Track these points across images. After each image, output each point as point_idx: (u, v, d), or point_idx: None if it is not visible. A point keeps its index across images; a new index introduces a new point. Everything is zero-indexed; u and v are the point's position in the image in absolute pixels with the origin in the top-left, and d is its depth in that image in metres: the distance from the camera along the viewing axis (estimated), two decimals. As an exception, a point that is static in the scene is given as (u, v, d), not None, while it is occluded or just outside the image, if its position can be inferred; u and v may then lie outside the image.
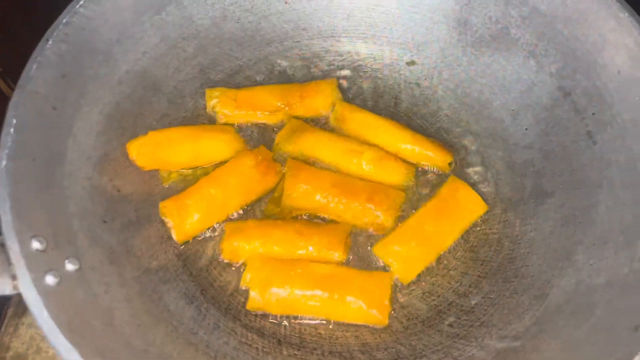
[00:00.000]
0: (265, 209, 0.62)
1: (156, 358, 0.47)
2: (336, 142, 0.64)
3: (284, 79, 0.72)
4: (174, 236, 0.58)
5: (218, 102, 0.66)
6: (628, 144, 0.56)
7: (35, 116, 0.53)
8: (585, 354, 0.46)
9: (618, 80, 0.58)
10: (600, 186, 0.57)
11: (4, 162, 0.48)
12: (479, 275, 0.58)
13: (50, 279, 0.45)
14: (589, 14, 0.59)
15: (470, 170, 0.65)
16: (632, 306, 0.46)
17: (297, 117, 0.67)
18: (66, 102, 0.56)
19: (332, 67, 0.72)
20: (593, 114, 0.59)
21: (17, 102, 0.51)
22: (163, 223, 0.60)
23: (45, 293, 0.43)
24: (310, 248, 0.57)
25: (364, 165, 0.62)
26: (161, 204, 0.59)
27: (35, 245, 0.46)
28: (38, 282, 0.44)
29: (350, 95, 0.71)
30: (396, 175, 0.62)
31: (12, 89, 0.74)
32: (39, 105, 0.53)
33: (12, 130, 0.50)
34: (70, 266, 0.48)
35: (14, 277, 0.43)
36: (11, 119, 0.50)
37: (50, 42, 0.55)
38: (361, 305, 0.54)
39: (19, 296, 0.86)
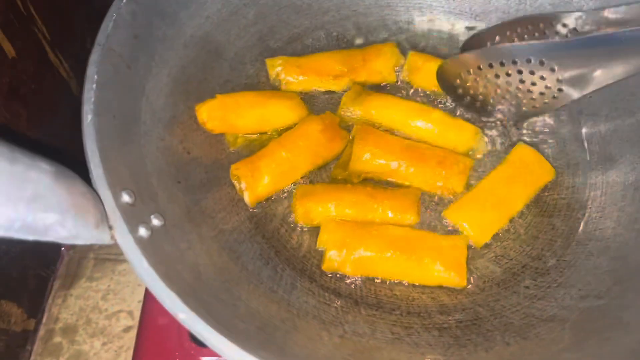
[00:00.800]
0: (333, 173, 0.61)
1: (246, 312, 0.47)
2: (402, 103, 0.64)
3: (341, 47, 0.71)
4: (247, 198, 0.58)
5: (282, 69, 0.65)
6: (702, 108, 0.56)
7: (113, 74, 0.52)
8: (677, 308, 0.46)
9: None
10: (674, 150, 0.57)
11: (89, 117, 0.48)
12: (551, 239, 0.58)
13: (143, 231, 0.44)
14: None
15: (535, 136, 0.64)
16: None
17: (360, 84, 0.67)
18: (139, 62, 0.56)
19: (389, 35, 0.72)
20: (662, 79, 0.59)
21: (97, 59, 0.51)
22: (232, 186, 0.60)
23: (141, 244, 0.43)
24: (383, 211, 0.57)
25: (432, 126, 0.62)
26: (233, 166, 0.58)
27: (126, 198, 0.45)
28: (133, 234, 0.43)
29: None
30: (466, 136, 0.62)
31: (60, 59, 0.74)
32: (115, 63, 0.53)
33: (94, 85, 0.50)
34: (156, 221, 0.48)
35: (110, 228, 0.43)
36: (93, 75, 0.50)
37: (124, 0, 0.55)
38: (439, 267, 0.54)
39: (66, 268, 0.86)
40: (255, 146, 0.62)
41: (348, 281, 0.56)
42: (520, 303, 0.54)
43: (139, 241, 0.43)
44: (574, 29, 0.59)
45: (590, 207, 0.59)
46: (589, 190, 0.60)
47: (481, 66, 0.57)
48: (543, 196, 0.61)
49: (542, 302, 0.53)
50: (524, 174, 0.60)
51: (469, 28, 0.71)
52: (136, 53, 0.56)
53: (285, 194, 0.60)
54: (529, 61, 0.55)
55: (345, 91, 0.66)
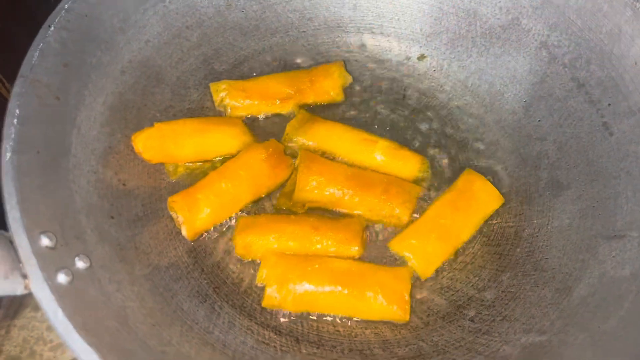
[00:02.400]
0: (277, 203, 0.60)
1: (174, 358, 0.45)
2: (348, 132, 0.62)
3: (289, 69, 0.70)
4: (184, 232, 0.56)
5: (227, 94, 0.64)
6: (646, 135, 0.55)
7: (38, 107, 0.50)
8: (616, 346, 0.45)
9: (634, 70, 0.57)
10: (618, 177, 0.56)
11: (8, 155, 0.45)
12: (497, 269, 0.57)
13: (62, 278, 0.42)
14: (604, 4, 0.59)
15: (483, 163, 0.64)
16: (662, 297, 0.46)
17: (307, 105, 0.65)
18: (69, 92, 0.54)
19: (338, 58, 0.71)
20: (609, 104, 0.59)
21: (19, 92, 0.48)
22: (171, 218, 0.57)
23: (58, 292, 0.41)
24: (327, 243, 0.56)
25: (377, 156, 0.60)
26: (170, 199, 0.56)
27: (45, 242, 0.43)
28: (50, 281, 0.41)
29: (358, 88, 0.69)
30: (411, 166, 0.61)
31: (1, 81, 0.71)
32: (41, 95, 0.50)
33: (15, 121, 0.47)
34: (80, 264, 0.45)
35: (24, 276, 0.40)
36: (14, 109, 0.48)
37: (52, 28, 0.52)
38: (381, 301, 0.53)
39: (9, 298, 0.83)
40: (197, 175, 0.60)
41: (289, 318, 0.54)
42: (464, 338, 0.52)
43: (57, 289, 0.41)
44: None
45: (537, 236, 0.58)
46: (536, 217, 0.59)
47: None
48: (491, 224, 0.60)
49: (485, 337, 0.52)
50: (471, 202, 0.59)
51: (419, 58, 0.70)
52: (67, 82, 0.54)
53: (227, 226, 0.58)
54: None
55: (292, 115, 0.65)
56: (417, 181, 0.61)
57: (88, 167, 0.53)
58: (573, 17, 0.62)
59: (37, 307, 0.80)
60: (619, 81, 0.58)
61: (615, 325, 0.47)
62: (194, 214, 0.55)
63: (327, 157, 0.62)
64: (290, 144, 0.62)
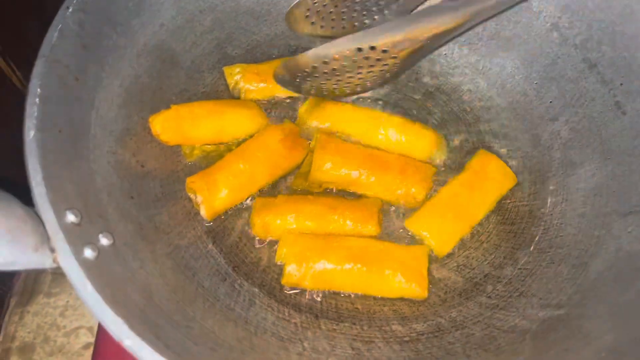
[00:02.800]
0: (293, 184, 0.60)
1: (199, 333, 0.46)
2: (360, 111, 0.63)
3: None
4: (203, 212, 0.56)
5: (241, 77, 0.64)
6: (659, 112, 0.56)
7: (58, 87, 0.50)
8: (635, 317, 0.46)
9: (647, 49, 0.58)
10: (632, 155, 0.57)
11: (32, 133, 0.45)
12: (512, 247, 0.58)
13: (88, 253, 0.42)
14: (615, -16, 0.59)
15: (496, 143, 0.64)
16: (680, 269, 0.46)
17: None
18: (88, 73, 0.54)
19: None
20: (621, 84, 0.59)
21: (40, 71, 0.49)
22: (189, 199, 0.58)
23: (86, 266, 0.41)
24: (344, 222, 0.56)
25: (391, 133, 0.61)
26: (188, 179, 0.57)
27: (70, 217, 0.43)
28: (78, 256, 0.41)
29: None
30: (426, 141, 0.61)
31: (12, 68, 0.71)
32: (62, 75, 0.51)
33: (37, 100, 0.47)
34: (104, 240, 0.46)
35: (52, 250, 0.41)
36: (35, 89, 0.48)
37: (70, 9, 0.53)
38: (400, 279, 0.53)
39: (23, 284, 0.84)
40: (213, 157, 0.61)
41: (308, 295, 0.54)
42: (482, 313, 0.53)
43: (84, 263, 0.41)
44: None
45: (551, 214, 0.59)
46: (550, 196, 0.60)
47: (315, 64, 0.55)
48: (505, 203, 0.60)
49: (503, 313, 0.53)
50: (486, 182, 0.59)
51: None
52: (85, 64, 0.54)
53: (244, 207, 0.59)
54: (359, 50, 0.53)
55: (305, 97, 0.65)
56: (433, 157, 0.62)
57: (107, 148, 0.54)
58: (584, -2, 0.62)
59: (49, 294, 0.80)
60: (631, 60, 0.59)
61: (634, 296, 0.47)
62: (213, 194, 0.56)
63: (341, 138, 0.62)
64: (304, 128, 0.62)
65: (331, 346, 0.50)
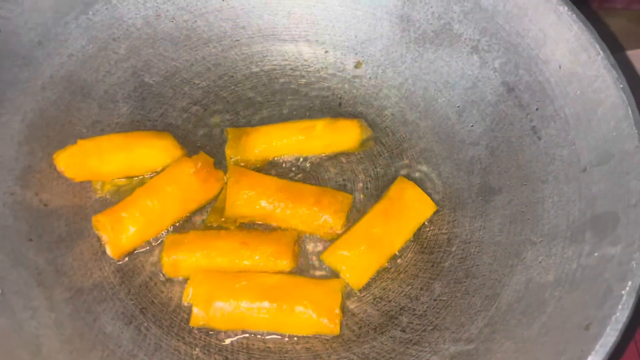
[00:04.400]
0: (207, 220, 0.59)
1: (91, 387, 0.44)
2: (285, 129, 0.63)
3: (223, 80, 0.68)
4: (109, 252, 0.54)
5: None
6: (570, 138, 0.56)
7: (-54, 128, 0.48)
8: (537, 353, 0.45)
9: (559, 74, 0.58)
10: (546, 181, 0.57)
11: None
12: (430, 277, 0.57)
13: (-35, 309, 0.40)
14: (529, 9, 0.59)
15: (417, 170, 0.63)
16: (581, 304, 0.46)
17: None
18: (-18, 111, 0.52)
19: (275, 66, 0.70)
20: (537, 109, 0.59)
21: None
22: (98, 237, 0.56)
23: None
24: (257, 258, 0.55)
25: (320, 138, 0.62)
26: (94, 218, 0.55)
27: (-52, 271, 0.41)
28: (-49, 314, 0.39)
29: (292, 97, 0.68)
30: (352, 133, 0.63)
31: None
32: (-50, 115, 0.49)
33: None
34: (-10, 292, 0.44)
35: None
36: None
37: (-40, 45, 0.50)
38: (311, 315, 0.52)
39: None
40: (126, 192, 0.59)
41: (218, 336, 0.53)
42: (394, 349, 0.52)
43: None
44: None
45: (469, 242, 0.58)
46: (469, 223, 0.60)
47: None
48: (424, 232, 0.60)
49: (416, 348, 0.52)
50: (403, 210, 0.58)
51: (356, 65, 0.69)
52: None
53: (157, 243, 0.57)
54: None
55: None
56: (364, 142, 0.64)
57: (4, 189, 0.52)
58: (501, 21, 0.62)
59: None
60: (546, 85, 0.59)
61: (537, 331, 0.47)
62: (119, 233, 0.54)
63: (275, 160, 0.62)
64: (238, 163, 0.62)
65: (238, 390, 0.49)
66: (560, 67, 0.57)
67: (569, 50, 0.57)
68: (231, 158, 0.61)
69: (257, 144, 0.62)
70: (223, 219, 0.58)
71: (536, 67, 0.60)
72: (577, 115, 0.56)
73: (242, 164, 0.62)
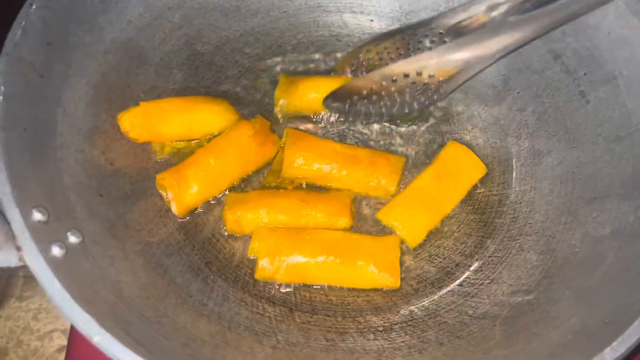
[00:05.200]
0: (265, 180, 0.60)
1: (171, 329, 0.45)
2: (333, 81, 0.63)
3: (272, 50, 0.70)
4: (174, 209, 0.56)
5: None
6: (621, 101, 0.57)
7: (23, 84, 0.49)
8: (600, 300, 0.47)
9: (608, 39, 0.59)
10: (596, 142, 0.58)
11: (-4, 131, 0.45)
12: (483, 236, 0.58)
13: (56, 250, 0.42)
14: (577, -24, 0.60)
15: (466, 134, 0.65)
16: (642, 252, 0.47)
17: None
18: (53, 70, 0.53)
19: (321, 37, 0.71)
20: (585, 74, 0.61)
21: (4, 70, 0.48)
22: (160, 196, 0.58)
23: (54, 264, 0.41)
24: (317, 215, 0.56)
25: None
26: (158, 176, 0.56)
27: (37, 216, 0.43)
28: (45, 254, 0.41)
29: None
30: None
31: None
32: (26, 73, 0.50)
33: (1, 98, 0.47)
34: (73, 238, 0.45)
35: (18, 249, 0.40)
36: (-1, 87, 0.47)
37: (34, 6, 0.52)
38: (372, 269, 0.54)
39: (-7, 289, 0.82)
40: (183, 154, 0.60)
41: (282, 289, 0.54)
42: (454, 302, 0.54)
43: (52, 261, 0.41)
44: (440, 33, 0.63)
45: (520, 202, 0.60)
46: (519, 185, 0.61)
47: (365, 92, 0.60)
48: (475, 193, 0.61)
49: (475, 300, 0.54)
50: (456, 172, 0.60)
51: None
52: (50, 61, 0.53)
53: (217, 202, 0.59)
54: (406, 76, 0.59)
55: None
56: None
57: (75, 146, 0.53)
58: (548, -10, 0.63)
59: (22, 297, 0.79)
60: (594, 51, 0.60)
61: (599, 280, 0.49)
62: (183, 190, 0.56)
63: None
64: (283, 110, 0.64)
65: (305, 338, 0.51)
66: (609, 33, 0.59)
67: (618, 15, 0.58)
68: (280, 101, 0.63)
69: (307, 92, 0.63)
70: (280, 180, 0.60)
71: (584, 33, 0.61)
72: (628, 78, 0.57)
73: (289, 111, 0.64)
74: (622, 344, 0.40)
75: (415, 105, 0.63)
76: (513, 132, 0.64)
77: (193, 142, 0.61)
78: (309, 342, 0.50)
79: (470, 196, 0.61)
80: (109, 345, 0.38)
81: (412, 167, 0.62)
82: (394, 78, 0.59)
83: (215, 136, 0.61)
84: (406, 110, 0.63)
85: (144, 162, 0.59)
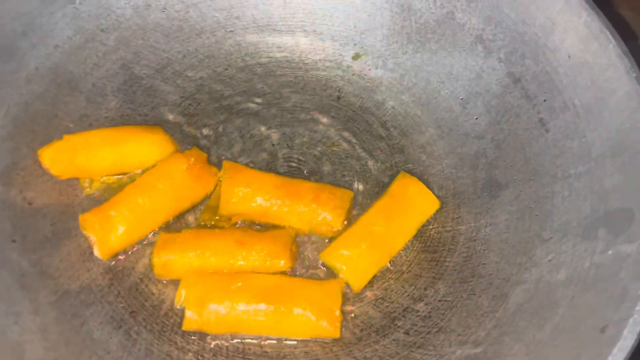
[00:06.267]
0: (200, 218, 0.56)
1: (77, 396, 0.41)
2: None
3: (217, 73, 0.66)
4: (97, 252, 0.52)
5: None
6: (581, 130, 0.53)
7: None
8: (550, 357, 0.43)
9: (568, 64, 0.55)
10: (555, 176, 0.54)
11: None
12: (434, 277, 0.54)
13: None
14: (536, -4, 0.57)
15: (420, 165, 0.61)
16: (596, 304, 0.44)
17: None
18: (-37, 104, 0.49)
19: (270, 58, 0.67)
20: (544, 100, 0.57)
21: None
22: (85, 237, 0.53)
23: None
24: (253, 257, 0.52)
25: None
26: (81, 217, 0.52)
27: None
28: None
29: (289, 89, 0.65)
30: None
31: None
32: None
33: None
34: (-32, 296, 0.41)
35: None
36: None
37: (-62, 35, 0.48)
38: (310, 317, 0.49)
39: None
40: (115, 189, 0.56)
41: (213, 341, 0.50)
42: (398, 352, 0.50)
43: None
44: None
45: (475, 240, 0.56)
46: (474, 220, 0.57)
47: None
48: (427, 229, 0.57)
49: (420, 351, 0.50)
50: (406, 207, 0.56)
51: (354, 57, 0.67)
52: (-40, 94, 0.49)
53: (148, 243, 0.54)
54: None
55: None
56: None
57: (-15, 187, 0.49)
58: (507, 9, 0.59)
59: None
60: (554, 75, 0.56)
61: (549, 333, 0.45)
62: (107, 233, 0.51)
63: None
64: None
65: (235, 398, 0.46)
66: (569, 57, 0.55)
67: (578, 39, 0.54)
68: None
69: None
70: (217, 217, 0.56)
71: (544, 56, 0.57)
72: (588, 106, 0.53)
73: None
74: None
75: None
76: (470, 162, 0.60)
77: (125, 175, 0.57)
78: (239, 401, 0.46)
79: (421, 232, 0.57)
80: None
81: (363, 199, 0.58)
82: None
83: (149, 169, 0.57)
84: None
85: (69, 199, 0.55)
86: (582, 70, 0.54)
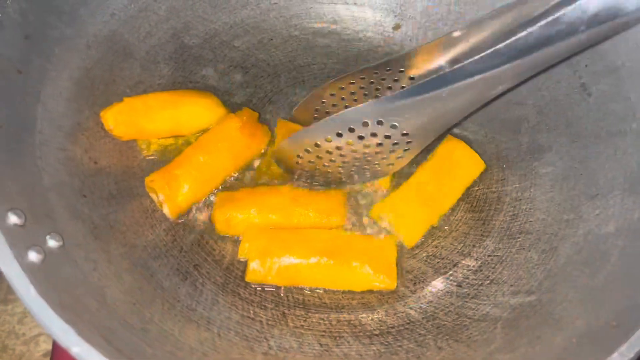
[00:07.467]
0: (257, 174, 0.58)
1: (157, 336, 0.43)
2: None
3: (262, 44, 0.68)
4: (167, 211, 0.54)
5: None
6: (624, 93, 0.55)
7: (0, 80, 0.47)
8: (605, 301, 0.45)
9: (610, 29, 0.57)
10: (599, 136, 0.56)
11: (-32, 129, 0.42)
12: (482, 235, 0.56)
13: (33, 256, 0.40)
14: (578, -35, 0.58)
15: (464, 130, 0.63)
16: (648, 250, 0.46)
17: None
18: (32, 65, 0.51)
19: (313, 29, 0.69)
20: (586, 65, 0.58)
21: (-22, 64, 0.46)
22: (147, 196, 0.55)
23: (30, 270, 0.38)
24: (308, 214, 0.54)
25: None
26: (147, 179, 0.54)
27: (13, 219, 0.41)
28: (21, 259, 0.39)
29: (332, 60, 0.67)
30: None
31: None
32: (3, 68, 0.48)
33: (-25, 94, 0.44)
34: (52, 242, 0.43)
35: (-8, 254, 0.38)
36: (-27, 82, 0.45)
37: None
38: (368, 270, 0.51)
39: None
40: (171, 152, 0.58)
41: (274, 292, 0.52)
42: (452, 303, 0.52)
43: (28, 267, 0.39)
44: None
45: (520, 199, 0.58)
46: (519, 181, 0.59)
47: (318, 142, 0.52)
48: (473, 190, 0.59)
49: (474, 301, 0.52)
50: (453, 168, 0.58)
51: (394, 27, 0.68)
52: (29, 55, 0.51)
53: (206, 202, 0.56)
54: (365, 125, 0.49)
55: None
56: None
57: (56, 144, 0.51)
58: (548, -21, 0.61)
59: (6, 301, 0.76)
60: (595, 40, 0.58)
61: (603, 280, 0.47)
62: (175, 191, 0.53)
63: None
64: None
65: (298, 343, 0.48)
66: (611, 22, 0.56)
67: (620, 5, 0.56)
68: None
69: None
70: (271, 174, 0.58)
71: (585, 23, 0.59)
72: (631, 69, 0.55)
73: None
74: (631, 349, 0.38)
75: (379, 168, 0.56)
76: (513, 127, 0.62)
77: (180, 139, 0.59)
78: (302, 347, 0.48)
79: (468, 193, 0.59)
80: (88, 356, 0.35)
81: (410, 163, 0.60)
82: (351, 127, 0.49)
83: (203, 132, 0.59)
84: (368, 176, 0.57)
85: (129, 160, 0.57)
86: (624, 34, 0.56)
